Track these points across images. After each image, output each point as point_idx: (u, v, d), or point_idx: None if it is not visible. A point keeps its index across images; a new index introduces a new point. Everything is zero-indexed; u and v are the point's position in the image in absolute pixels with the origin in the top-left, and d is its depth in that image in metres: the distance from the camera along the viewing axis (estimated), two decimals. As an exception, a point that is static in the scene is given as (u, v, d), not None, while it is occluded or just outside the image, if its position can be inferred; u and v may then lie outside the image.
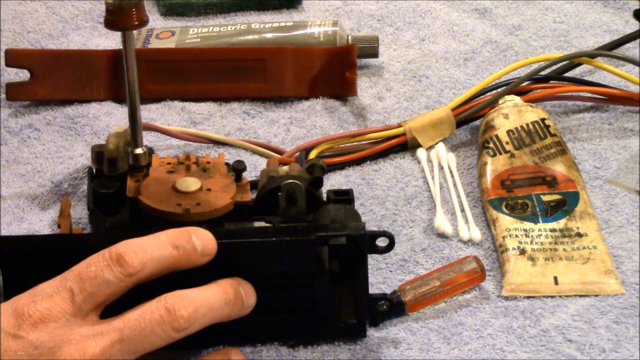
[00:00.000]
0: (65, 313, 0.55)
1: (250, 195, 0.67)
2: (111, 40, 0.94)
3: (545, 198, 0.73)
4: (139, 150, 0.66)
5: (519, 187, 0.74)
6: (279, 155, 0.78)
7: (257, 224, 0.67)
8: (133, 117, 0.65)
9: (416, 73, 0.90)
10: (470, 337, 0.64)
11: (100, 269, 0.55)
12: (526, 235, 0.71)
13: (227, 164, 0.69)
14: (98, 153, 0.70)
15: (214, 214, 0.63)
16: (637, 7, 0.96)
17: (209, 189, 0.65)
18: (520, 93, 0.82)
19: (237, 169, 0.67)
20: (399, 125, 0.81)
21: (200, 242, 0.58)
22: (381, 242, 0.62)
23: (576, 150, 0.80)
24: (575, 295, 0.67)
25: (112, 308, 0.56)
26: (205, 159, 0.69)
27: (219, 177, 0.67)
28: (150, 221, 0.64)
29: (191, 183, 0.65)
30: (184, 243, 0.57)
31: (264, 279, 0.60)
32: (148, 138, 0.81)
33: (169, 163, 0.68)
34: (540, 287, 0.68)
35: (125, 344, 0.54)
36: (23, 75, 0.88)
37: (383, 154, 0.80)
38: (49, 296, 0.55)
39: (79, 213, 0.73)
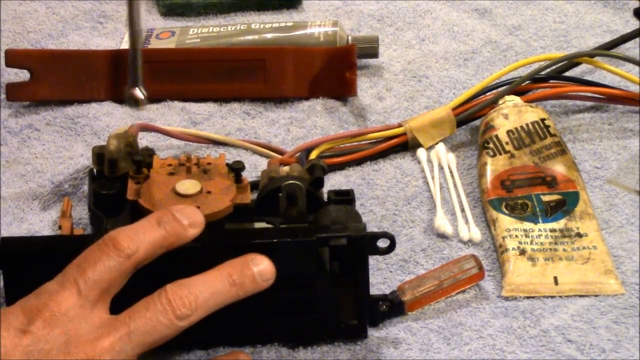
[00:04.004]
0: (73, 306, 0.55)
1: (251, 197, 0.67)
2: (111, 40, 0.95)
3: (545, 198, 0.73)
4: (138, 93, 0.66)
5: (518, 187, 0.74)
6: (279, 156, 0.79)
7: (258, 224, 0.67)
8: (134, 53, 0.65)
9: (416, 73, 0.90)
10: (470, 337, 0.64)
11: (99, 256, 0.57)
12: (526, 236, 0.71)
13: (227, 164, 0.69)
14: (99, 154, 0.70)
15: (213, 217, 0.63)
16: (637, 6, 0.96)
17: (208, 192, 0.65)
18: (520, 93, 0.82)
19: (236, 168, 0.67)
20: (399, 125, 0.81)
21: (184, 215, 0.60)
22: (382, 243, 0.62)
23: (576, 150, 0.80)
24: (575, 296, 0.67)
25: (120, 305, 0.57)
26: (206, 159, 0.69)
27: (219, 178, 0.67)
28: None
29: (190, 186, 0.65)
30: (168, 220, 0.59)
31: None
32: (148, 138, 0.81)
33: (169, 165, 0.68)
34: (540, 288, 0.68)
35: (133, 337, 0.55)
36: (23, 75, 0.88)
37: (383, 154, 0.80)
38: (55, 292, 0.56)
39: (80, 214, 0.73)
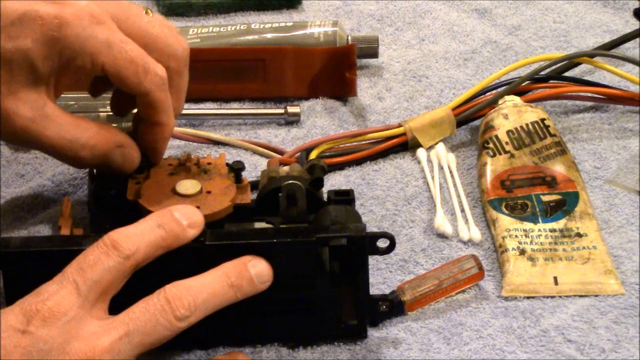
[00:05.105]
0: (73, 306, 0.55)
1: (251, 197, 0.67)
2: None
3: (545, 198, 0.73)
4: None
5: (518, 187, 0.74)
6: (279, 156, 0.79)
7: (258, 224, 0.67)
8: None
9: (416, 73, 0.90)
10: (470, 337, 0.64)
11: (98, 257, 0.57)
12: (526, 236, 0.71)
13: (227, 165, 0.69)
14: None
15: (213, 217, 0.63)
16: (637, 7, 0.96)
17: (208, 192, 0.65)
18: (520, 93, 0.82)
19: (235, 168, 0.67)
20: (399, 125, 0.81)
21: (184, 216, 0.59)
22: (382, 243, 0.62)
23: (576, 150, 0.80)
24: (575, 296, 0.67)
25: (120, 306, 0.57)
26: (206, 159, 0.69)
27: (219, 178, 0.67)
28: None
29: (191, 186, 0.65)
30: (167, 221, 0.59)
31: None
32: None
33: (169, 164, 0.68)
34: (540, 288, 0.68)
35: (132, 337, 0.55)
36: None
37: (383, 154, 0.80)
38: (54, 292, 0.56)
39: (80, 214, 0.73)
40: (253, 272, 0.59)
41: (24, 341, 0.54)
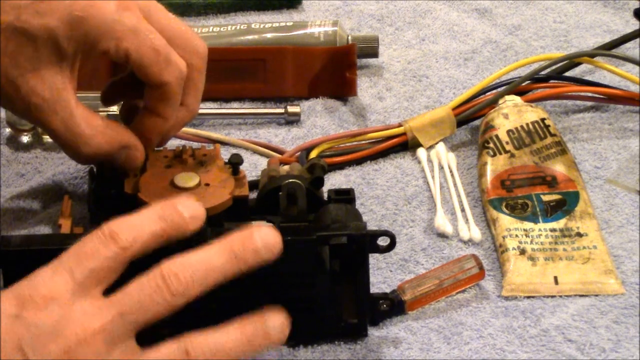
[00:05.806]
0: (66, 291, 0.55)
1: (248, 189, 0.67)
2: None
3: (545, 198, 0.73)
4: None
5: (519, 187, 0.74)
6: (279, 155, 0.79)
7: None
8: None
9: (416, 73, 0.90)
10: (471, 336, 0.64)
11: (96, 246, 0.56)
12: (526, 235, 0.71)
13: (228, 162, 0.69)
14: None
15: (213, 211, 0.63)
16: (637, 7, 0.96)
17: (207, 184, 0.65)
18: (520, 93, 0.82)
19: (233, 162, 0.67)
20: (400, 125, 0.81)
21: (186, 208, 0.58)
22: (382, 241, 0.62)
23: (576, 150, 0.80)
24: (576, 295, 0.67)
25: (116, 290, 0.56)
26: (201, 151, 0.69)
27: (216, 170, 0.67)
28: None
29: (189, 179, 0.65)
30: (170, 213, 0.58)
31: (265, 278, 0.60)
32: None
33: (165, 156, 0.68)
34: (540, 287, 0.68)
35: (126, 317, 0.54)
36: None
37: (383, 154, 0.80)
38: (49, 278, 0.55)
39: (80, 213, 0.73)
40: (259, 242, 0.57)
41: (17, 326, 0.53)
